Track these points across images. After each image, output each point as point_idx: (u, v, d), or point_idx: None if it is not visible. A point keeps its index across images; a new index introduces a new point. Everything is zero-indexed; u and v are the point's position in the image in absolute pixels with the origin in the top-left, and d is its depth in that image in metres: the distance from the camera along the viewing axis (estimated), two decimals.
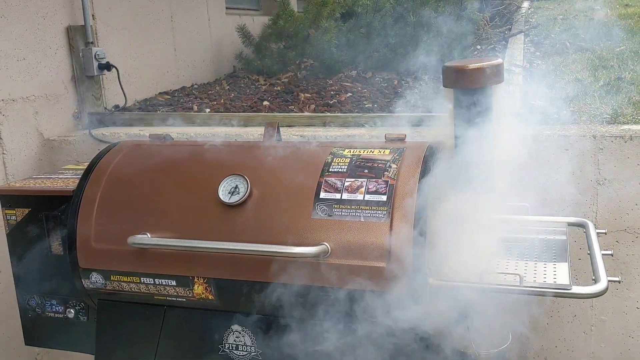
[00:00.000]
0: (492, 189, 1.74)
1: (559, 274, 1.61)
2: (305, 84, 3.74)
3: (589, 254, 1.69)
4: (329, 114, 2.74)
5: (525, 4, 6.60)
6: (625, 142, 2.14)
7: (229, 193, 1.73)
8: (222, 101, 3.42)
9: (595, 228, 1.86)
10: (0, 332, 2.73)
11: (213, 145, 1.93)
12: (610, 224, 2.20)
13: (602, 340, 2.32)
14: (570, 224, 1.93)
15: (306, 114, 2.75)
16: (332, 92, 3.44)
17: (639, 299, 2.24)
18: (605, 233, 1.95)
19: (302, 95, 3.37)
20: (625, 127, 2.28)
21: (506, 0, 5.58)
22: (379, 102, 3.11)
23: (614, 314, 2.28)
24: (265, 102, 3.29)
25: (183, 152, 1.96)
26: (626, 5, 6.49)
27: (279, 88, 3.69)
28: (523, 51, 4.33)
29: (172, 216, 1.78)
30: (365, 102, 3.15)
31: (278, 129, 1.99)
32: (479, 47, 4.36)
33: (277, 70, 4.15)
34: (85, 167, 1.94)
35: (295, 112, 2.99)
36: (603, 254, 1.68)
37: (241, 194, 1.71)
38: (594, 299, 2.28)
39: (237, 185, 1.73)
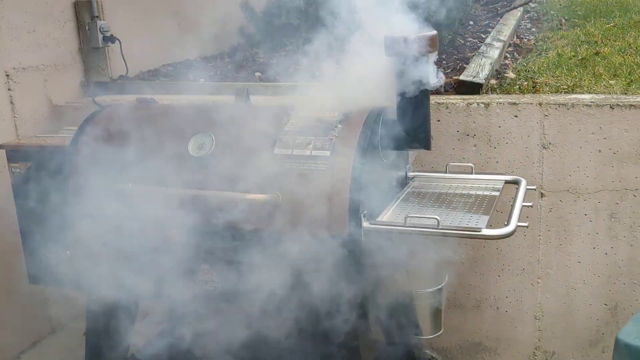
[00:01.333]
0: (428, 148, 1.97)
1: (480, 221, 1.83)
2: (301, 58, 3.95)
3: (512, 204, 1.91)
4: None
5: None
6: (568, 109, 2.33)
7: (197, 148, 1.99)
8: (218, 72, 3.66)
9: (528, 184, 2.08)
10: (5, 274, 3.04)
11: (186, 107, 2.19)
12: (554, 184, 2.40)
13: (547, 291, 2.53)
14: (506, 182, 2.15)
15: (282, 82, 2.97)
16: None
17: (580, 253, 2.45)
18: (535, 189, 2.17)
19: (292, 67, 3.59)
20: (570, 96, 2.47)
21: None
22: None
23: (558, 268, 2.49)
24: (258, 73, 3.53)
25: (161, 113, 2.22)
26: None
27: (274, 61, 3.92)
28: (514, 27, 4.47)
29: (151, 168, 2.04)
30: None
31: (247, 94, 2.23)
32: (471, 22, 4.51)
33: (278, 45, 4.36)
34: (78, 126, 2.22)
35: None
36: (523, 205, 1.90)
37: (207, 149, 1.97)
38: (539, 257, 2.50)
39: (204, 141, 1.99)
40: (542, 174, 2.41)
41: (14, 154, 2.34)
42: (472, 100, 2.48)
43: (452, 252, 2.37)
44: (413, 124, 1.93)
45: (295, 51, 4.03)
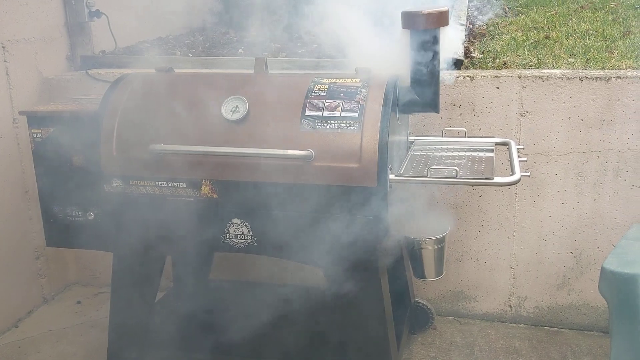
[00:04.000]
0: (437, 111, 2.24)
1: (487, 173, 2.11)
2: (275, 36, 4.13)
3: (509, 160, 2.21)
4: (300, 58, 3.16)
5: None
6: (543, 81, 2.67)
7: (231, 111, 2.16)
8: (199, 49, 3.79)
9: (516, 145, 2.39)
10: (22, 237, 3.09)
11: (213, 74, 2.35)
12: (529, 148, 2.74)
13: (522, 243, 2.88)
14: (497, 143, 2.46)
15: (282, 58, 3.16)
16: (298, 44, 3.86)
17: (551, 208, 2.80)
18: (524, 148, 2.49)
19: (273, 45, 3.77)
20: (544, 70, 2.81)
21: None
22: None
23: (531, 222, 2.84)
24: (240, 50, 3.69)
25: (188, 80, 2.37)
26: None
27: (249, 39, 4.08)
28: (466, 13, 4.83)
29: (184, 131, 2.20)
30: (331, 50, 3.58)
31: (266, 64, 2.41)
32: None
33: (246, 24, 4.51)
34: (105, 92, 2.33)
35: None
36: (519, 160, 2.21)
37: (241, 112, 2.14)
38: (515, 213, 2.84)
39: (237, 105, 2.16)
40: (519, 139, 2.74)
41: (36, 119, 2.41)
42: (459, 74, 2.77)
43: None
44: (425, 90, 2.19)
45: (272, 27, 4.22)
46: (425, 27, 2.08)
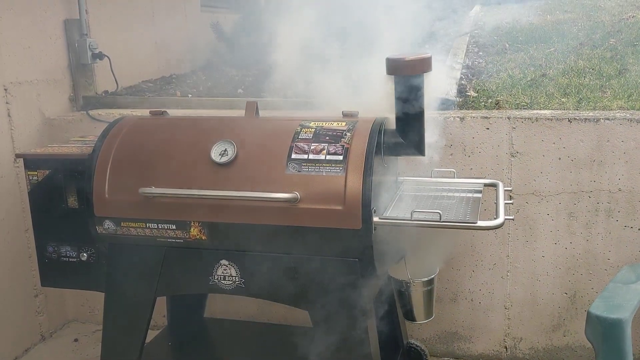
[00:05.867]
0: (422, 154, 2.27)
1: (471, 216, 2.13)
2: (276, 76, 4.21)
3: (495, 202, 2.22)
4: (295, 98, 3.21)
5: (477, 8, 7.20)
6: (533, 122, 2.69)
7: (220, 155, 2.21)
8: (200, 89, 3.87)
9: (504, 186, 2.40)
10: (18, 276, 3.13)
11: (204, 118, 2.40)
12: (521, 188, 2.75)
13: (516, 283, 2.87)
14: (485, 185, 2.47)
15: (276, 98, 3.21)
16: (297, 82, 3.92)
17: (544, 248, 2.79)
18: (511, 189, 2.50)
19: (272, 85, 3.84)
20: (534, 111, 2.83)
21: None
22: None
23: (525, 262, 2.83)
24: (240, 90, 3.76)
25: (180, 123, 2.42)
26: (565, 11, 7.15)
27: (250, 79, 4.15)
28: (466, 50, 4.89)
29: (173, 173, 2.24)
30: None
31: (257, 107, 2.46)
32: (427, 45, 4.89)
33: (248, 63, 4.60)
34: (98, 136, 2.38)
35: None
36: (505, 203, 2.22)
37: (230, 155, 2.18)
38: (508, 252, 2.83)
39: (226, 148, 2.20)
40: (510, 179, 2.75)
41: (32, 162, 2.47)
42: (449, 115, 2.80)
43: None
44: (410, 133, 2.22)
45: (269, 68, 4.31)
46: (408, 74, 2.12)
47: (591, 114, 2.68)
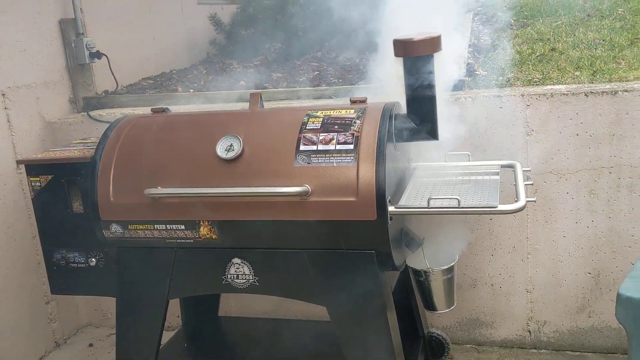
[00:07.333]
0: (436, 138, 2.18)
1: (491, 200, 2.04)
2: (276, 66, 4.12)
3: (513, 184, 2.13)
4: (299, 87, 3.13)
5: None
6: (547, 99, 2.59)
7: (226, 150, 2.13)
8: (202, 83, 3.78)
9: (522, 167, 2.31)
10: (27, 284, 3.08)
11: (208, 113, 2.32)
12: (538, 167, 2.65)
13: (537, 266, 2.78)
14: (502, 166, 2.38)
15: (281, 89, 3.14)
16: (300, 72, 3.83)
17: (564, 228, 2.71)
18: (530, 170, 2.41)
19: (274, 75, 3.75)
20: (548, 87, 2.73)
21: None
22: (343, 77, 3.52)
23: (546, 243, 2.75)
24: (242, 82, 3.67)
25: (183, 120, 2.34)
26: None
27: (252, 70, 4.06)
28: (471, 28, 4.77)
29: (179, 172, 2.16)
30: (331, 78, 3.55)
31: (261, 98, 2.38)
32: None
33: (248, 55, 4.51)
34: (100, 137, 2.31)
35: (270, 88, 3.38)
36: (525, 184, 2.12)
37: (236, 150, 2.10)
38: (528, 234, 2.75)
39: (231, 143, 2.12)
40: (527, 159, 2.66)
41: (34, 168, 2.40)
42: (460, 96, 2.71)
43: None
44: (422, 117, 2.13)
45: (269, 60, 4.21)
46: (417, 54, 2.03)
47: (608, 86, 2.58)
